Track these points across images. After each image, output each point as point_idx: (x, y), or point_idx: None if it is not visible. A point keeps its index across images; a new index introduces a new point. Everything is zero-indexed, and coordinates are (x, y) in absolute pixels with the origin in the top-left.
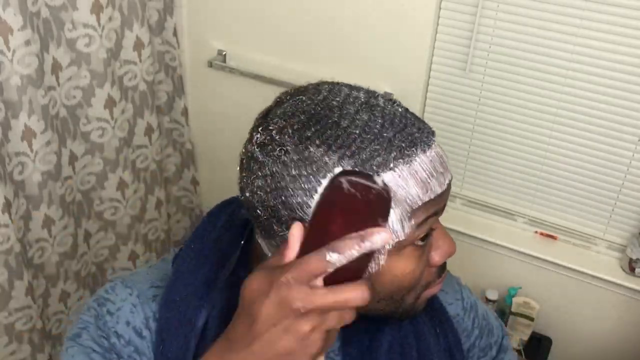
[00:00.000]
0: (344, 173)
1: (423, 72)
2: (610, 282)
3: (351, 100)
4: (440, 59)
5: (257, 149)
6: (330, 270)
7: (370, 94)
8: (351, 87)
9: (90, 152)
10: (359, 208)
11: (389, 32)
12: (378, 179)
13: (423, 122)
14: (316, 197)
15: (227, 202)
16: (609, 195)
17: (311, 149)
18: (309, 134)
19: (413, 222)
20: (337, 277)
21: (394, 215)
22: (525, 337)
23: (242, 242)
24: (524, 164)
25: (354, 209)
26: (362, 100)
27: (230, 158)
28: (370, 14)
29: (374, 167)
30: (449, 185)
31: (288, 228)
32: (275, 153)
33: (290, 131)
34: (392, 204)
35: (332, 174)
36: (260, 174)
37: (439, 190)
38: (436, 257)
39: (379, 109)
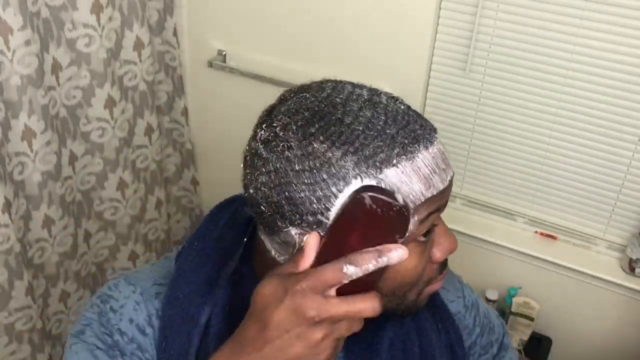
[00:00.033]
0: (366, 188)
1: (423, 72)
2: (610, 282)
3: (354, 97)
4: (440, 59)
5: (261, 146)
6: (345, 281)
7: (373, 91)
8: (354, 85)
9: (90, 152)
10: (378, 224)
11: (389, 32)
12: (399, 197)
13: (425, 119)
14: (335, 208)
15: (229, 200)
16: (609, 195)
17: (315, 145)
18: (313, 130)
19: (416, 218)
20: (349, 288)
21: None
22: (525, 337)
23: (245, 240)
24: (524, 164)
25: (374, 224)
26: (365, 97)
27: (230, 158)
28: (370, 14)
29: (377, 163)
30: (451, 181)
31: (291, 224)
32: (279, 149)
33: (294, 127)
34: None
35: (337, 172)
36: (264, 170)
37: (441, 187)
38: (438, 253)
39: (382, 106)
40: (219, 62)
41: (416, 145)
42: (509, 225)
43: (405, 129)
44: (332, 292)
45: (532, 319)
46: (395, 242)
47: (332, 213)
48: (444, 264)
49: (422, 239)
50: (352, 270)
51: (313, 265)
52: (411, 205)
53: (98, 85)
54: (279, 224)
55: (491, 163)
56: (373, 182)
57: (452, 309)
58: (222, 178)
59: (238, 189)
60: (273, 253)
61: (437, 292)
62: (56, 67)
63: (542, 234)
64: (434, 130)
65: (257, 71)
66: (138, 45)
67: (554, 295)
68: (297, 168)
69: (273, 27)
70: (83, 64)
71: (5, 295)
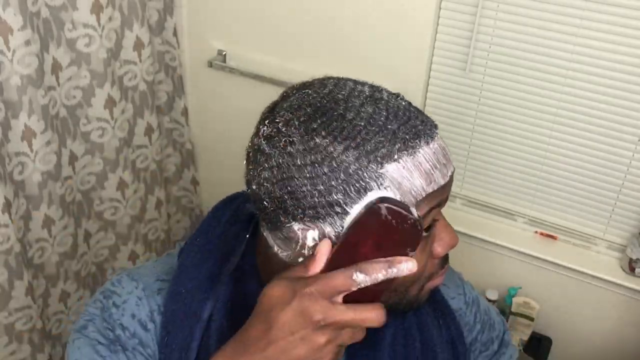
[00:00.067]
0: (383, 199)
1: (423, 72)
2: (610, 282)
3: (356, 93)
4: (440, 59)
5: (263, 142)
6: (354, 289)
7: (375, 88)
8: (356, 82)
9: (90, 152)
10: (392, 235)
11: (389, 32)
12: (414, 211)
13: (426, 115)
14: (350, 217)
15: (232, 197)
16: (609, 195)
17: (317, 140)
18: (315, 126)
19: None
20: (356, 297)
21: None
22: (525, 337)
23: (247, 236)
24: (524, 164)
25: (388, 235)
26: (367, 93)
27: (230, 158)
28: (370, 14)
29: (379, 158)
30: (452, 176)
31: (294, 219)
32: (281, 144)
33: (296, 123)
34: (398, 195)
35: (338, 166)
36: (266, 166)
37: (442, 182)
38: (439, 248)
39: (383, 102)
40: (219, 62)
41: (417, 141)
42: (509, 225)
43: (407, 124)
44: (339, 298)
45: (532, 319)
46: (406, 254)
47: (347, 221)
48: (445, 259)
49: (424, 233)
50: (361, 278)
51: (323, 270)
52: (412, 200)
53: (98, 85)
54: (282, 219)
55: (491, 163)
56: (385, 193)
57: (453, 305)
58: (222, 178)
59: (238, 189)
60: (276, 249)
61: (438, 288)
62: (56, 67)
63: (542, 234)
64: (435, 126)
65: (257, 71)
66: (138, 45)
67: (554, 295)
68: (299, 163)
69: (273, 27)
70: (83, 64)
71: (5, 295)
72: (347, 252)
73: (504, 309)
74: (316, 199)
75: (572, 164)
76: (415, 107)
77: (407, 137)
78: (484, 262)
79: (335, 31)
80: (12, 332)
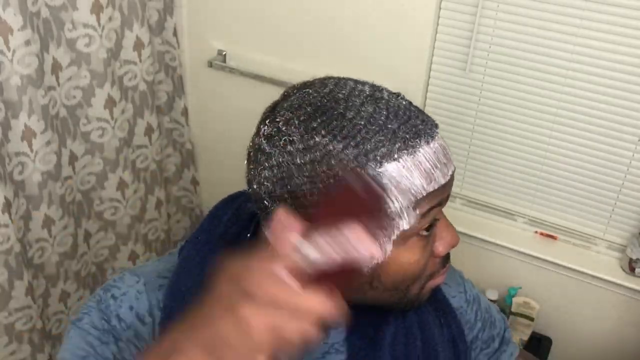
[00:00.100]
0: (347, 170)
1: (423, 72)
2: (610, 282)
3: (356, 93)
4: (440, 59)
5: (264, 141)
6: (303, 264)
7: (375, 87)
8: (356, 81)
9: (90, 152)
10: (353, 207)
11: (389, 32)
12: (379, 181)
13: (426, 114)
14: (316, 189)
15: (233, 196)
16: (609, 195)
17: (316, 139)
18: (315, 125)
19: (417, 212)
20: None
21: (399, 205)
22: (525, 337)
23: (248, 235)
24: (524, 164)
25: (349, 206)
26: (367, 93)
27: (230, 158)
28: (370, 14)
29: (378, 158)
30: (452, 176)
31: None
32: (281, 143)
33: (296, 122)
34: (398, 194)
35: (338, 165)
36: (267, 165)
37: (442, 181)
38: (440, 247)
39: (383, 101)
40: (219, 62)
41: (417, 140)
42: (509, 225)
43: (407, 124)
44: (289, 279)
45: (532, 319)
46: (374, 233)
47: (314, 192)
48: (446, 258)
49: (424, 233)
50: (312, 253)
51: None
52: (412, 198)
53: (98, 85)
54: None
55: (491, 163)
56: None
57: (454, 304)
58: (222, 178)
59: (238, 189)
60: None
61: (439, 287)
62: (56, 67)
63: (542, 234)
64: (435, 125)
65: (257, 71)
66: (138, 45)
67: (554, 295)
68: (298, 162)
69: (273, 27)
70: (83, 64)
71: (5, 295)
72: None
73: (504, 309)
74: (315, 198)
75: (572, 164)
76: (415, 107)
77: (408, 136)
78: (484, 262)
79: (335, 31)
80: (12, 332)
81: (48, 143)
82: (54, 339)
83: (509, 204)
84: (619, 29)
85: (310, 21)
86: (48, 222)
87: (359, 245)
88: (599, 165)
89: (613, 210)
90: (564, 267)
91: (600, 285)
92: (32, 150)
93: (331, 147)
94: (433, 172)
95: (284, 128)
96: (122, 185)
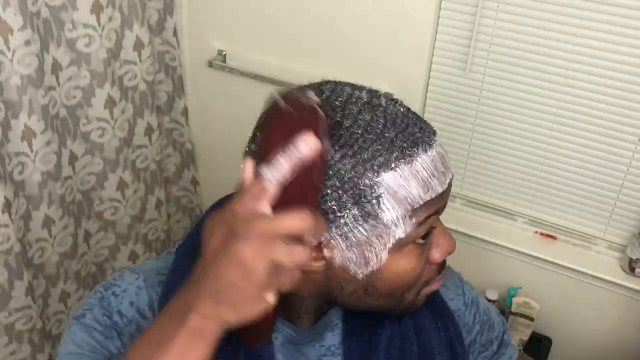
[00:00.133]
0: (279, 93)
1: (423, 72)
2: (610, 282)
3: (354, 100)
4: (440, 59)
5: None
6: (271, 189)
7: (373, 93)
8: (354, 87)
9: (90, 152)
10: (293, 124)
11: (389, 32)
12: (313, 97)
13: (425, 121)
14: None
15: (229, 197)
16: (609, 195)
17: None
18: None
19: (414, 220)
20: (288, 207)
21: (395, 214)
22: (525, 337)
23: None
24: (524, 164)
25: (288, 125)
26: (365, 100)
27: (230, 158)
28: (370, 14)
29: (375, 167)
30: (450, 184)
31: None
32: None
33: None
34: (394, 203)
35: (335, 174)
36: None
37: (440, 190)
38: (436, 254)
39: (381, 109)
40: (219, 62)
41: (415, 149)
42: (509, 225)
43: (404, 132)
44: (267, 210)
45: (532, 319)
46: (314, 145)
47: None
48: (442, 265)
49: (421, 241)
50: (269, 173)
51: None
52: (409, 207)
53: (98, 85)
54: None
55: (491, 163)
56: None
57: (452, 306)
58: (222, 178)
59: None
60: None
61: (437, 290)
62: (56, 67)
63: (542, 234)
64: (434, 132)
65: (257, 71)
66: (138, 45)
67: (554, 295)
68: None
69: (273, 27)
70: (83, 64)
71: (5, 295)
72: (264, 159)
73: (504, 309)
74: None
75: (572, 164)
76: (413, 113)
77: (405, 145)
78: (484, 262)
79: (335, 31)
80: (12, 332)
81: (48, 143)
82: (54, 339)
83: (509, 204)
84: (619, 29)
85: (310, 21)
86: (48, 222)
87: (298, 145)
88: (599, 165)
89: (613, 210)
90: (564, 267)
91: (600, 285)
92: (32, 150)
93: (328, 158)
94: (430, 180)
95: None
96: (122, 185)
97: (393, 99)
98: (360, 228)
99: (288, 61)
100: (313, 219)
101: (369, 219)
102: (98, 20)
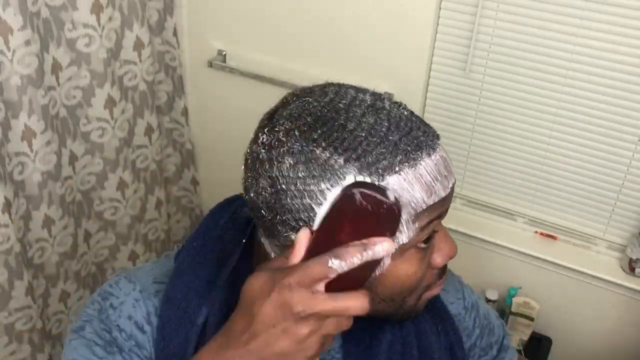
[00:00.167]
0: (357, 184)
1: (423, 72)
2: (610, 282)
3: (357, 102)
4: (440, 59)
5: (262, 150)
6: (332, 276)
7: (377, 96)
8: (357, 90)
9: (90, 152)
10: (368, 220)
11: (389, 32)
12: (390, 194)
13: (428, 125)
14: (326, 204)
15: (230, 200)
16: (609, 195)
17: (317, 152)
18: (315, 136)
19: (417, 225)
20: (339, 284)
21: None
22: (525, 337)
23: (244, 240)
24: (524, 164)
25: (364, 221)
26: (369, 103)
27: (230, 158)
28: (370, 14)
29: (380, 170)
30: (453, 188)
31: (292, 229)
32: (281, 154)
33: (296, 133)
34: None
35: (339, 179)
36: (265, 175)
37: (443, 194)
38: (438, 259)
39: (385, 112)
40: (219, 62)
41: (419, 153)
42: (509, 225)
43: (408, 135)
44: (321, 288)
45: (532, 319)
46: (389, 248)
47: (324, 209)
48: (443, 269)
49: (423, 245)
50: (337, 264)
51: (304, 260)
52: (412, 212)
53: (98, 85)
54: (279, 228)
55: (491, 163)
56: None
57: (452, 310)
58: (222, 178)
59: (238, 189)
60: (273, 255)
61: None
62: (56, 67)
63: (542, 234)
64: (437, 136)
65: (257, 71)
66: (138, 45)
67: (554, 295)
68: (299, 175)
69: (273, 27)
70: (83, 64)
71: (5, 295)
72: (325, 240)
73: (504, 309)
74: (314, 212)
75: (572, 164)
76: (417, 117)
77: (409, 148)
78: (484, 262)
79: (335, 31)
80: (12, 332)
81: (48, 143)
82: (54, 339)
83: (509, 204)
84: (619, 29)
85: (310, 21)
86: (48, 222)
87: (375, 247)
88: (599, 165)
89: (613, 210)
90: (564, 267)
91: (600, 285)
92: (32, 150)
93: (333, 162)
94: (434, 185)
95: (283, 138)
96: (122, 185)
97: (397, 102)
98: None
99: (288, 61)
100: (370, 300)
101: None
102: (98, 20)
